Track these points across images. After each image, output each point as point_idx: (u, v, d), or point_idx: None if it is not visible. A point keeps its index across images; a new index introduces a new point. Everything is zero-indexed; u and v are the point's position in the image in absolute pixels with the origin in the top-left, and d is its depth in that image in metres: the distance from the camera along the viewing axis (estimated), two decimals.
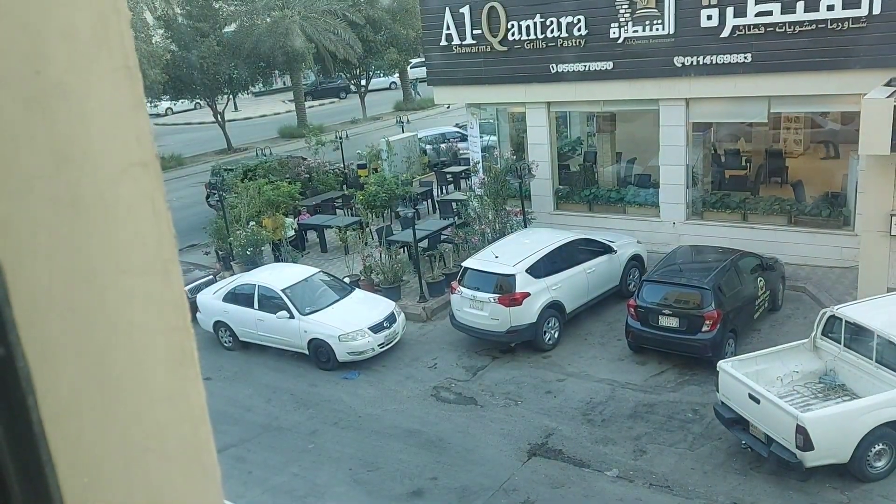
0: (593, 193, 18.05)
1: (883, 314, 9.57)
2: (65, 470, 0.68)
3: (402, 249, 16.48)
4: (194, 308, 15.11)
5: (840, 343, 9.85)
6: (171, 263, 0.78)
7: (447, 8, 18.06)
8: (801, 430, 8.55)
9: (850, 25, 13.34)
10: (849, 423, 8.74)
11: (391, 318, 13.63)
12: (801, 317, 13.04)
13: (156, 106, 45.20)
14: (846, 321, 9.74)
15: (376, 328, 13.30)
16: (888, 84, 11.96)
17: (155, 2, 33.83)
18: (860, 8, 13.17)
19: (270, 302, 13.93)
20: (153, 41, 31.95)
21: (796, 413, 8.72)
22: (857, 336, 9.64)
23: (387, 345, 13.45)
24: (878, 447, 8.83)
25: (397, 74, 44.46)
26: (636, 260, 14.91)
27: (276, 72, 38.98)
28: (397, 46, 37.89)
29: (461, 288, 13.34)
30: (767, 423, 9.11)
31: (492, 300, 12.85)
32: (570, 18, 16.45)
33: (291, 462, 10.91)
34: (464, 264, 13.76)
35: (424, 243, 16.50)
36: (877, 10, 13.04)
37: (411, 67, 42.95)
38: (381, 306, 13.92)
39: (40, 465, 0.66)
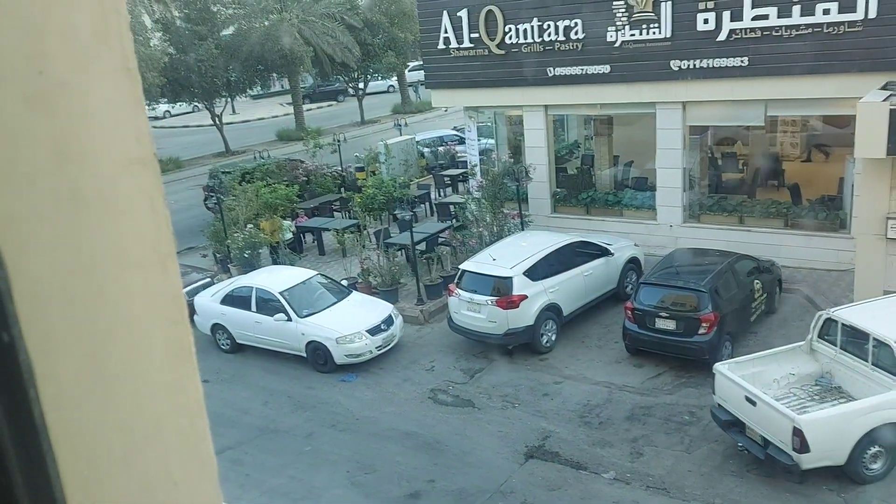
0: (590, 196, 18.08)
1: (879, 317, 9.59)
2: (65, 460, 0.69)
3: (399, 252, 16.49)
4: (191, 310, 15.11)
5: (836, 346, 9.88)
6: (169, 258, 0.80)
7: (445, 12, 18.11)
8: (797, 433, 8.57)
9: (846, 29, 13.40)
10: (845, 425, 8.76)
11: (389, 321, 13.64)
12: (797, 319, 13.06)
13: (154, 108, 45.22)
14: (842, 324, 9.77)
15: (374, 331, 13.31)
16: (884, 87, 12.01)
17: (153, 5, 33.86)
18: (856, 12, 13.23)
19: (268, 304, 13.93)
20: (151, 44, 31.96)
21: (793, 415, 8.74)
22: (853, 339, 9.66)
23: (384, 347, 13.45)
24: (874, 449, 8.84)
25: (395, 77, 44.51)
26: (633, 263, 14.93)
27: (274, 75, 39.01)
28: (395, 50, 37.96)
29: (459, 290, 13.35)
30: (764, 425, 9.12)
31: (489, 303, 12.86)
32: (567, 22, 16.50)
33: (288, 464, 10.91)
34: (461, 267, 13.78)
35: (422, 246, 16.52)
36: (872, 14, 13.11)
37: (409, 70, 43.01)
38: (378, 309, 13.93)
39: (41, 454, 0.68)
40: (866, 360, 9.35)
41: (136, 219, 0.77)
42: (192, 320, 15.03)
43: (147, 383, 0.78)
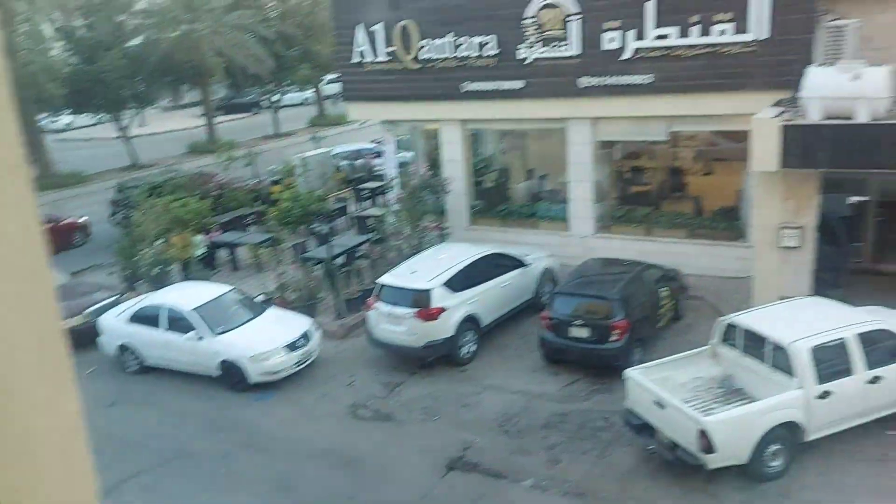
0: (507, 209, 18.39)
1: (775, 321, 10.16)
2: None
3: (317, 266, 16.27)
4: (97, 331, 14.42)
5: (738, 349, 10.39)
6: (42, 268, 0.77)
7: (360, 25, 18.10)
8: (702, 434, 8.94)
9: (741, 49, 14.21)
10: (746, 425, 9.19)
11: (307, 336, 13.41)
12: (702, 325, 13.63)
13: (55, 121, 43.10)
14: (742, 329, 10.28)
15: (291, 347, 13.05)
16: (776, 104, 12.78)
17: (54, 13, 32.37)
18: (749, 33, 14.06)
19: (179, 323, 13.44)
20: (51, 53, 30.49)
21: (698, 417, 9.11)
22: (752, 342, 10.17)
23: (302, 363, 13.21)
24: (774, 447, 9.31)
25: (313, 90, 44.10)
26: (548, 273, 15.27)
27: (185, 86, 37.92)
28: (311, 62, 37.63)
29: (378, 304, 13.29)
30: (672, 427, 9.47)
31: (409, 315, 12.86)
32: (481, 38, 16.81)
33: (203, 489, 10.53)
34: (380, 280, 13.72)
35: (341, 260, 16.35)
36: (765, 36, 13.96)
37: (325, 84, 42.71)
38: (295, 324, 13.67)
39: None
40: (765, 362, 9.87)
41: (4, 225, 0.73)
42: (96, 341, 14.34)
43: (17, 398, 0.74)
